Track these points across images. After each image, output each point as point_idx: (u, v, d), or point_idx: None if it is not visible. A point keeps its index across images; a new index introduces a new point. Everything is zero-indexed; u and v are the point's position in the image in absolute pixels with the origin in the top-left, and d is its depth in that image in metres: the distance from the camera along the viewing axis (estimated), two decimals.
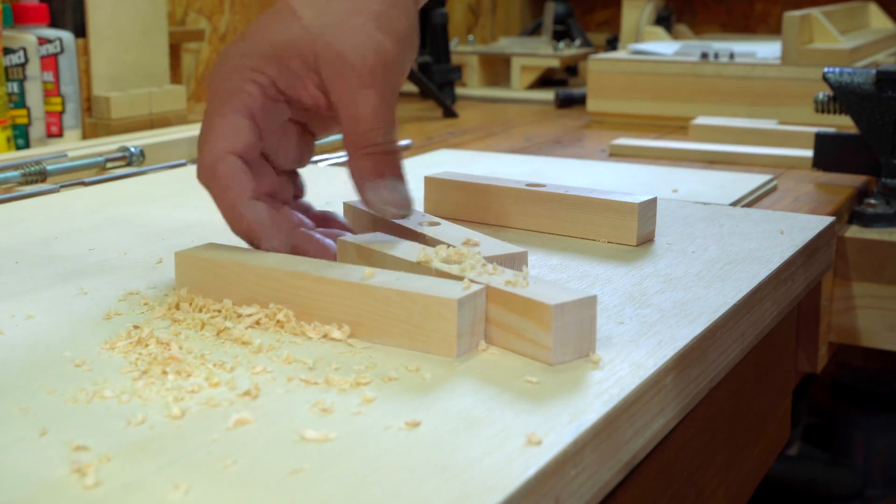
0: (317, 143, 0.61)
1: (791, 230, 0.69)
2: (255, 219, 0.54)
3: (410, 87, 1.61)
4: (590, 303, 0.46)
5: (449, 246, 0.53)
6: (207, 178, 0.55)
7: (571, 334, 0.45)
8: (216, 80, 0.56)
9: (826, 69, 0.97)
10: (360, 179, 0.55)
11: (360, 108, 0.54)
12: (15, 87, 1.03)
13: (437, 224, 0.59)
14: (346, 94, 0.54)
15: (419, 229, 0.58)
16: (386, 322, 0.47)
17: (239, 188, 0.54)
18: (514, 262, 0.54)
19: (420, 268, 0.50)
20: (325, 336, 0.48)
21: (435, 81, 1.47)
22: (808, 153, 1.04)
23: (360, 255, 0.54)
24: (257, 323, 0.49)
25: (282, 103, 0.56)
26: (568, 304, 0.45)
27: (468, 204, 0.70)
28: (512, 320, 0.46)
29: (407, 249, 0.53)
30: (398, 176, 0.55)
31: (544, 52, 1.68)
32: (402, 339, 0.47)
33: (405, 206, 0.55)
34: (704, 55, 1.34)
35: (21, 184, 0.86)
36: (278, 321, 0.49)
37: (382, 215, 0.56)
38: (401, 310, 0.47)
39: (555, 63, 1.66)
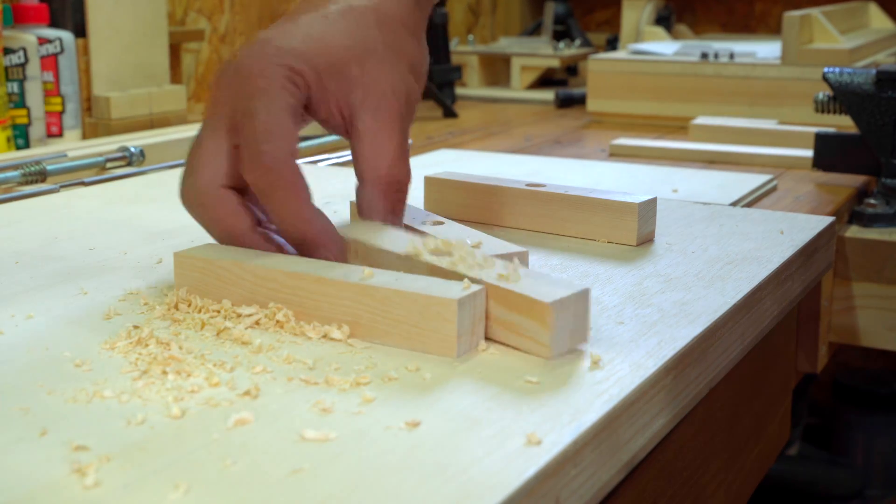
0: (318, 142, 0.61)
1: (791, 230, 0.69)
2: (323, 226, 0.53)
3: None
4: (584, 296, 0.47)
5: (437, 237, 0.53)
6: (270, 179, 0.51)
7: (567, 328, 0.46)
8: (256, 69, 0.53)
9: (826, 69, 0.97)
10: (373, 211, 0.55)
11: (389, 145, 0.54)
12: (15, 87, 1.03)
13: (442, 223, 0.59)
14: (377, 128, 0.54)
15: (423, 228, 0.58)
16: (386, 322, 0.47)
17: (305, 193, 0.52)
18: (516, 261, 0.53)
19: (409, 261, 0.50)
20: (325, 336, 0.48)
21: (435, 81, 1.47)
22: (808, 153, 1.04)
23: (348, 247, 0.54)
24: (257, 323, 0.49)
25: (302, 110, 0.55)
26: (564, 300, 0.45)
27: (468, 204, 0.70)
28: (507, 315, 0.46)
29: (396, 241, 0.53)
30: (402, 214, 0.56)
31: (544, 52, 1.68)
32: (401, 339, 0.47)
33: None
34: (704, 55, 1.34)
35: (21, 184, 0.86)
36: (278, 321, 0.49)
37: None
38: (401, 310, 0.47)
39: (555, 63, 1.66)
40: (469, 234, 0.56)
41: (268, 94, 0.52)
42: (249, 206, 0.55)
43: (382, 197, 0.55)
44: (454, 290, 0.46)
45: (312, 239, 0.52)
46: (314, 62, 0.54)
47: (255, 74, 0.53)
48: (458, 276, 0.48)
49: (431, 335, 0.46)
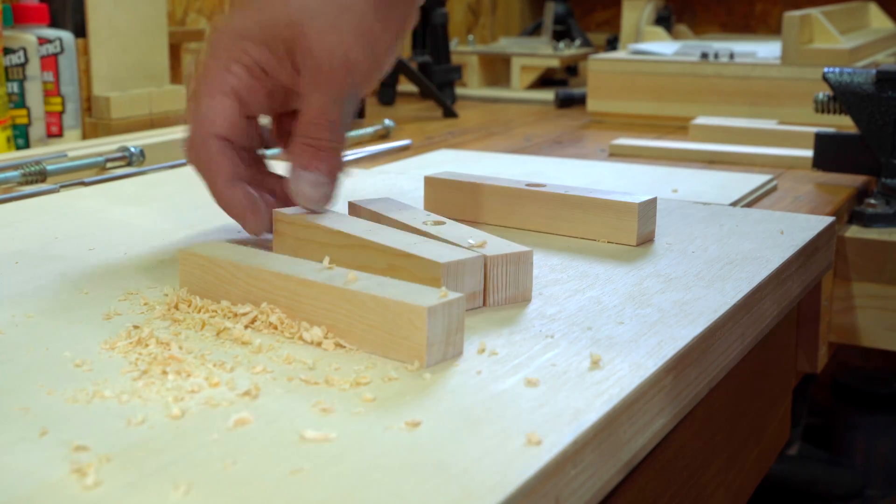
0: None
1: (791, 230, 0.69)
2: (236, 200, 0.59)
3: (410, 87, 1.61)
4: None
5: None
6: (195, 159, 0.60)
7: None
8: (206, 55, 0.59)
9: (826, 69, 0.97)
10: (292, 164, 0.59)
11: (312, 102, 0.58)
12: (15, 87, 1.03)
13: (442, 223, 0.59)
14: (306, 85, 0.58)
15: (423, 228, 0.58)
16: (362, 328, 0.46)
17: (218, 170, 0.59)
18: (520, 261, 0.53)
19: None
20: (318, 345, 0.47)
21: (435, 81, 1.47)
22: (808, 153, 1.04)
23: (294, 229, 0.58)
24: (253, 321, 0.49)
25: (267, 79, 0.59)
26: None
27: (468, 204, 0.70)
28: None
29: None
30: (327, 173, 0.58)
31: (544, 52, 1.68)
32: (375, 345, 0.46)
33: (318, 202, 0.59)
34: (704, 55, 1.34)
35: (21, 184, 0.86)
36: (271, 324, 0.49)
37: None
38: (375, 315, 0.46)
39: (555, 63, 1.66)
40: (472, 234, 0.56)
41: (210, 76, 0.59)
42: (236, 160, 0.60)
43: (301, 151, 0.58)
44: (428, 298, 0.45)
45: (228, 212, 0.60)
46: (260, 37, 0.58)
47: (207, 56, 0.59)
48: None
49: (403, 343, 0.45)
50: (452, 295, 0.45)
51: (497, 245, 0.54)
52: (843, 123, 1.11)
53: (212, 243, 0.54)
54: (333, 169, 0.58)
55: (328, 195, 0.59)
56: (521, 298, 0.54)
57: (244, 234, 0.66)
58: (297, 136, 0.58)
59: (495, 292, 0.53)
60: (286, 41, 0.57)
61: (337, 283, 0.47)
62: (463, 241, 0.55)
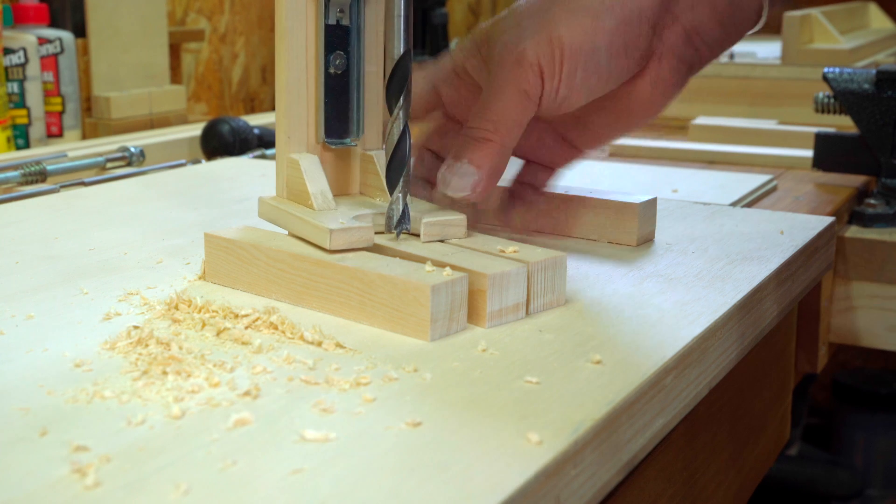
0: None
1: (791, 230, 0.69)
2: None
3: None
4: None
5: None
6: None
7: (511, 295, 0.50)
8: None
9: (826, 69, 0.97)
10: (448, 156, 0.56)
11: (482, 97, 0.56)
12: (15, 87, 1.03)
13: (471, 236, 0.57)
14: (482, 78, 0.58)
15: (451, 240, 0.56)
16: (372, 305, 0.49)
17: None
18: (556, 266, 0.53)
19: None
20: (318, 345, 0.47)
21: None
22: (808, 153, 1.04)
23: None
24: (255, 321, 0.49)
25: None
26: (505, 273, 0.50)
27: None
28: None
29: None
30: (476, 165, 0.55)
31: None
32: (384, 321, 0.49)
33: (459, 191, 0.55)
34: None
35: (21, 184, 0.86)
36: (271, 323, 0.49)
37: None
38: (383, 293, 0.49)
39: None
40: (497, 242, 0.55)
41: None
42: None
43: (457, 140, 0.57)
44: (434, 277, 0.48)
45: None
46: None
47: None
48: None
49: (409, 318, 0.48)
50: (456, 274, 0.48)
51: (532, 252, 0.54)
52: (843, 123, 1.12)
53: (233, 228, 0.57)
54: (483, 161, 0.55)
55: (471, 187, 0.55)
56: (557, 303, 0.54)
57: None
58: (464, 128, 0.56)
59: (535, 299, 0.52)
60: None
61: (347, 263, 0.50)
62: (491, 248, 0.54)
